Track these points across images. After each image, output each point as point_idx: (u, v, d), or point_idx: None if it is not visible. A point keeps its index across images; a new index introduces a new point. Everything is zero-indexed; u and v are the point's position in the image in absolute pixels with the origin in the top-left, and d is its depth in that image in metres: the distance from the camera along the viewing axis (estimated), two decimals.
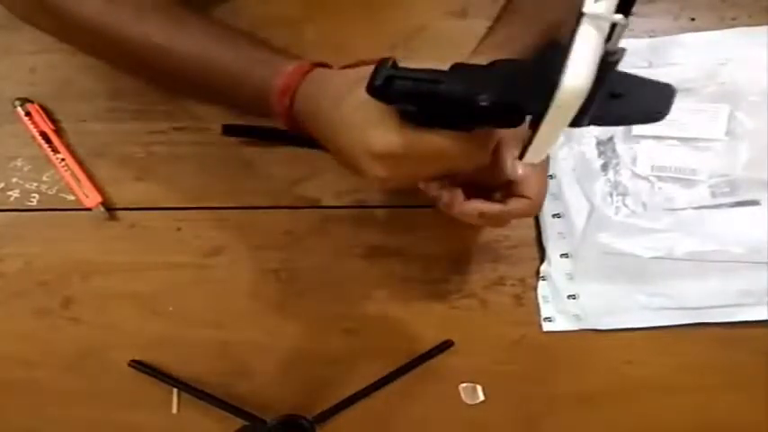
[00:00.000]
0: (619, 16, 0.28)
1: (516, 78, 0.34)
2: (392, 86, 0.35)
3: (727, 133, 0.57)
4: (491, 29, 0.52)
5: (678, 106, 0.58)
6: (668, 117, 0.61)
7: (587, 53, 0.29)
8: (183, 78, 0.49)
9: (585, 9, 0.28)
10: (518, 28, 0.51)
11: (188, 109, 0.59)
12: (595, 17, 0.28)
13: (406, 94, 0.36)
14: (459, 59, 0.60)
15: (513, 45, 0.49)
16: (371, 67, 0.37)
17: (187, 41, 0.47)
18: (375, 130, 0.38)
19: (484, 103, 0.34)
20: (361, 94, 0.37)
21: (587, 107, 0.30)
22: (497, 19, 0.53)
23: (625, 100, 0.33)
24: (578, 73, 0.29)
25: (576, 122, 0.32)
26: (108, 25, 0.47)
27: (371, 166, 0.39)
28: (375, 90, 0.36)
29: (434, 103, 0.36)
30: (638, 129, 0.57)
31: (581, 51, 0.29)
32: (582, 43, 0.29)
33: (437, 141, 0.37)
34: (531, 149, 0.35)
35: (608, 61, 0.29)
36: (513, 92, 0.34)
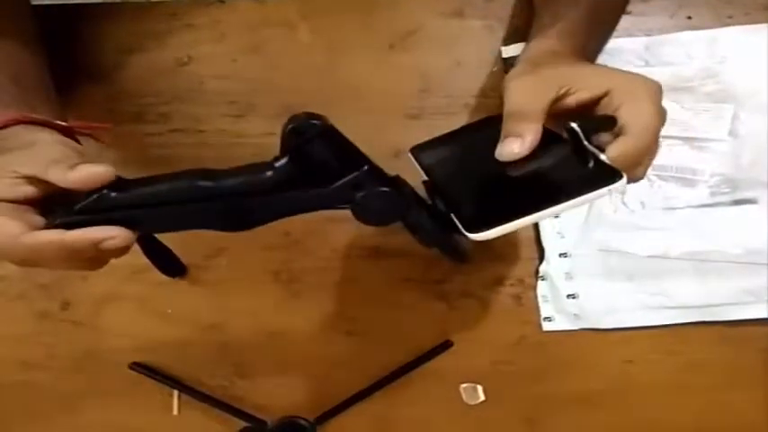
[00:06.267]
0: None
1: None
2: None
3: (730, 133, 0.56)
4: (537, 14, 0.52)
5: (680, 105, 0.58)
6: (671, 117, 0.61)
7: None
8: None
9: None
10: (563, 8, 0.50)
11: (185, 111, 0.59)
12: None
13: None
14: (454, 59, 0.61)
15: (560, 24, 0.49)
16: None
17: None
18: None
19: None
20: None
21: None
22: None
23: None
24: None
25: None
26: None
27: None
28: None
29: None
30: None
31: None
32: None
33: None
34: None
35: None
36: None
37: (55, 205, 0.39)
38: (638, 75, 0.41)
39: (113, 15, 0.60)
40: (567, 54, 0.46)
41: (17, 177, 0.37)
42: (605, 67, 0.44)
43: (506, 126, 0.42)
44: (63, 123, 0.44)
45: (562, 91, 0.42)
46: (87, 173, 0.37)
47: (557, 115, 0.42)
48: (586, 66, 0.45)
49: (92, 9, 0.60)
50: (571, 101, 0.42)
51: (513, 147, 0.40)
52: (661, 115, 0.40)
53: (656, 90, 0.41)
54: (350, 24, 0.59)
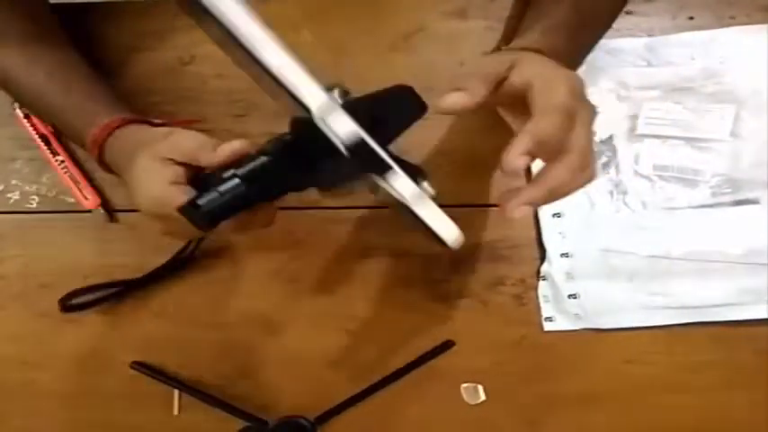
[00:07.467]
0: None
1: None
2: (204, 212, 0.38)
3: (732, 134, 0.57)
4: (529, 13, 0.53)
5: (682, 106, 0.58)
6: (673, 117, 0.61)
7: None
8: (33, 111, 0.55)
9: None
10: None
11: (188, 110, 0.59)
12: None
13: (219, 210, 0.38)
14: (457, 60, 0.61)
15: (539, 24, 0.49)
16: (158, 131, 0.44)
17: (33, 81, 0.52)
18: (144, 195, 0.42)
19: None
20: (142, 160, 0.43)
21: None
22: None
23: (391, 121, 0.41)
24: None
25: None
26: None
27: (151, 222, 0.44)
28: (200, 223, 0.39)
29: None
30: (642, 129, 0.58)
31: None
32: None
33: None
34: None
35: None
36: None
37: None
38: (562, 73, 0.41)
39: (116, 15, 0.60)
40: (541, 50, 0.46)
41: (174, 163, 0.42)
42: (547, 62, 0.43)
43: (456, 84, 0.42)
44: (158, 121, 0.50)
45: (509, 70, 0.42)
46: (231, 149, 0.42)
47: (510, 105, 0.43)
48: (536, 56, 0.44)
49: (94, 8, 0.60)
50: (509, 84, 0.42)
51: (454, 97, 0.40)
52: (570, 105, 0.40)
53: (572, 83, 0.40)
54: (352, 24, 0.60)
